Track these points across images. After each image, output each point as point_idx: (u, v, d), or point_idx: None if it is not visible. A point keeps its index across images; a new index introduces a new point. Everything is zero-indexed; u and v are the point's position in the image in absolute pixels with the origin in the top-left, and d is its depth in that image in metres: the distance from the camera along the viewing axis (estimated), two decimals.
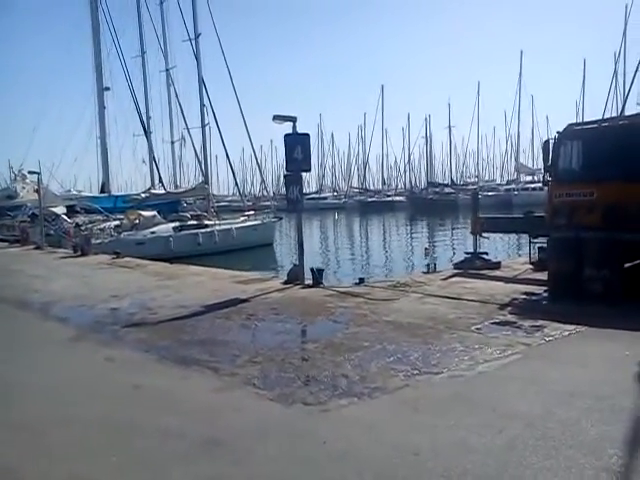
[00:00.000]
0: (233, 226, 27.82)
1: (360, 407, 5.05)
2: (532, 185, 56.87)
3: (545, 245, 11.09)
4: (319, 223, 54.88)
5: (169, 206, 29.35)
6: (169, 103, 34.84)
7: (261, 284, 12.05)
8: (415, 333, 7.40)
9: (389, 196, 78.97)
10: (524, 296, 9.77)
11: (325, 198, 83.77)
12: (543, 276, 10.39)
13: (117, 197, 32.40)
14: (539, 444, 4.11)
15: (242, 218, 30.00)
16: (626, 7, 36.63)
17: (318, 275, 11.64)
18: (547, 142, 10.93)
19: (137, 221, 25.55)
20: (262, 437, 4.49)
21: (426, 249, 17.75)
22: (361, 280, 11.86)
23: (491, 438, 4.26)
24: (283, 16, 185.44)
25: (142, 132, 32.84)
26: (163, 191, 31.46)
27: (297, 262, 12.32)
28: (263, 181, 52.63)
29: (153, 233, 24.67)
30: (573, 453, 3.96)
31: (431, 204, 63.57)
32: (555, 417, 4.58)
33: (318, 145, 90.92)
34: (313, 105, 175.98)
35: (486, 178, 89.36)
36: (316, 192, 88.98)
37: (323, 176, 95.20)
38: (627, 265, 10.05)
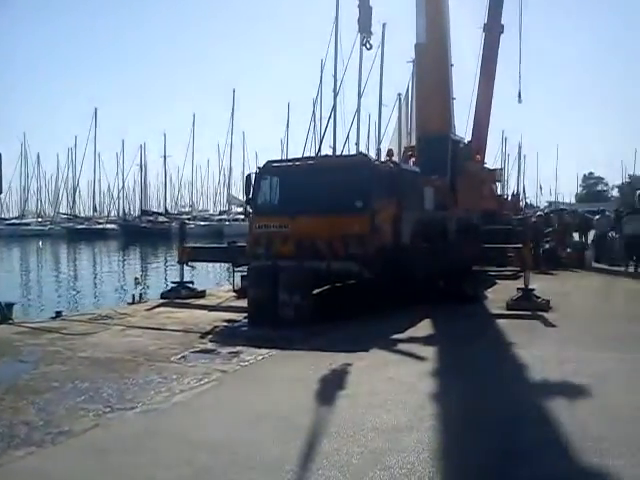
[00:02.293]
0: None
1: (39, 457, 4.59)
2: (242, 216, 59.48)
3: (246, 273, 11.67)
4: (19, 251, 49.66)
5: None
6: None
7: None
8: (112, 368, 7.08)
9: (101, 223, 75.09)
10: (225, 323, 10.10)
11: (28, 224, 76.12)
12: (244, 303, 10.89)
13: None
14: (224, 470, 4.22)
15: None
16: (321, 61, 40.93)
17: (7, 310, 10.46)
18: (249, 176, 11.61)
19: None
20: None
21: (136, 279, 17.20)
22: (58, 314, 10.98)
23: (178, 471, 4.24)
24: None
25: None
26: None
27: None
28: None
29: None
30: (255, 474, 4.15)
31: (145, 232, 62.23)
32: (242, 440, 4.77)
33: (21, 166, 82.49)
34: (17, 122, 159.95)
35: (200, 208, 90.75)
36: (17, 217, 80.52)
37: (26, 200, 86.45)
38: (317, 291, 11.14)
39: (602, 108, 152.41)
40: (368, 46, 12.61)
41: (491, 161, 53.13)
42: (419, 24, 14.37)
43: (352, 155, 12.59)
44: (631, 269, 16.66)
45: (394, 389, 6.06)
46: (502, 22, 22.29)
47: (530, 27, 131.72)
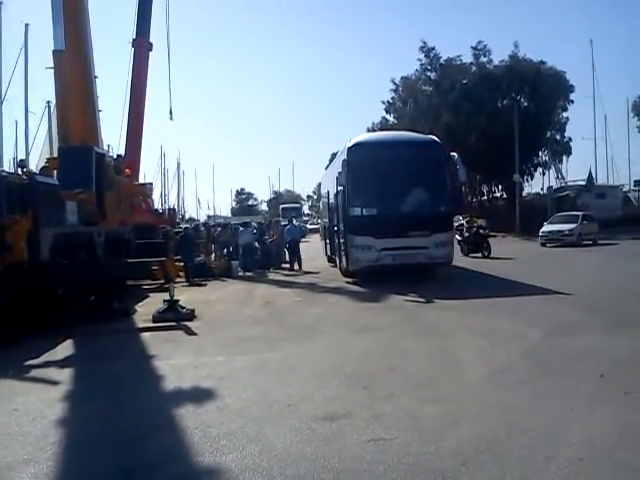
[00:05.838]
0: None
1: None
2: None
3: None
4: None
5: None
6: None
7: None
8: None
9: None
10: None
11: None
12: None
13: None
14: None
15: None
16: None
17: None
18: None
19: None
20: None
21: None
22: None
23: None
24: None
25: None
26: None
27: None
28: None
29: None
30: None
31: None
32: None
33: None
34: None
35: None
36: None
37: None
38: None
39: (254, 131, 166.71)
40: None
41: (150, 175, 53.56)
42: (57, 30, 13.60)
43: None
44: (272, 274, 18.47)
45: (17, 421, 5.55)
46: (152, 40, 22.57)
47: (191, 49, 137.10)
